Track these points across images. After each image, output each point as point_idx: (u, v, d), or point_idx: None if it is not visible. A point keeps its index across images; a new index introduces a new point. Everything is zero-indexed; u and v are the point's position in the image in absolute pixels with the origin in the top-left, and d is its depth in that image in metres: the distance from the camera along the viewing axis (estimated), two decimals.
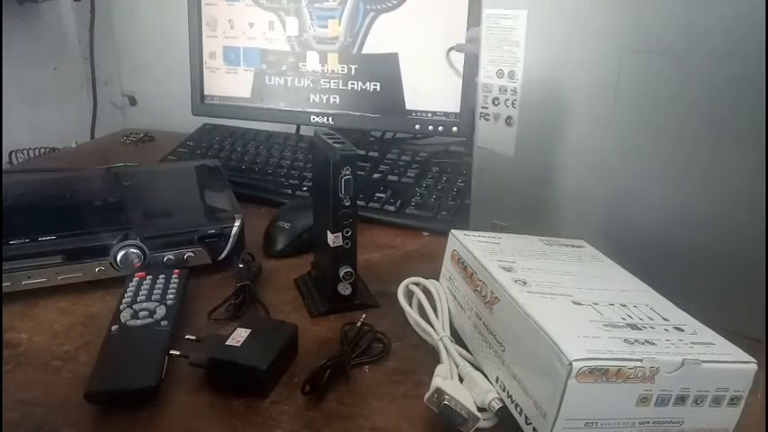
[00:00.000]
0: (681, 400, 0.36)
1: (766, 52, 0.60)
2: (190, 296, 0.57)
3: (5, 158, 1.02)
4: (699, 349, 0.36)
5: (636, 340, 0.36)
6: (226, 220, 0.63)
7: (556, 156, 0.59)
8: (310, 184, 0.81)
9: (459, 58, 0.81)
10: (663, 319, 0.40)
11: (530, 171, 0.61)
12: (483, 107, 0.62)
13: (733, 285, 0.52)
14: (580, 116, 0.57)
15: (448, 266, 0.54)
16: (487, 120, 0.61)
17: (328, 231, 0.52)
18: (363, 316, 0.53)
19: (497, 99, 0.60)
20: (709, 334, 0.39)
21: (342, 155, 0.50)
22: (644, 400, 0.35)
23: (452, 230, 0.54)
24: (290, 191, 0.82)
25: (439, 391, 0.41)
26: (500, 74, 0.59)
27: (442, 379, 0.43)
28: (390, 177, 0.81)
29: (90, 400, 0.43)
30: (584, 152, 0.58)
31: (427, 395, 0.41)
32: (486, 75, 0.60)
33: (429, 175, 0.80)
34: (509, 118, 0.60)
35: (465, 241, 0.51)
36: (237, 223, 0.63)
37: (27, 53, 1.08)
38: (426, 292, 0.54)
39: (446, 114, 0.86)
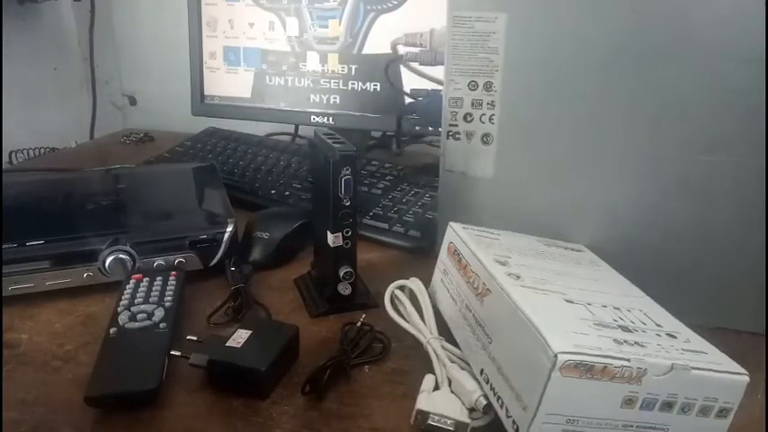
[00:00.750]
0: (667, 405, 0.35)
1: (766, 52, 0.60)
2: (188, 297, 0.57)
3: (5, 158, 1.02)
4: (690, 356, 0.36)
5: (625, 341, 0.36)
6: (218, 225, 0.62)
7: (545, 173, 0.55)
8: (300, 189, 0.80)
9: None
10: (656, 324, 0.40)
11: (513, 193, 0.56)
12: (451, 124, 0.54)
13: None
14: (572, 127, 0.53)
15: (443, 258, 0.53)
16: (457, 139, 0.54)
17: (328, 231, 0.52)
18: (363, 316, 0.53)
19: (470, 115, 0.54)
20: (702, 343, 0.39)
21: (342, 155, 0.50)
22: (629, 401, 0.35)
23: (450, 223, 0.53)
24: (277, 196, 0.80)
25: (421, 413, 0.41)
26: (473, 85, 0.53)
27: (428, 393, 0.43)
28: (360, 187, 0.78)
29: (90, 404, 0.43)
30: (580, 166, 0.53)
31: (412, 419, 0.41)
32: (454, 87, 0.53)
33: (399, 188, 0.77)
34: (486, 135, 0.54)
35: (462, 234, 0.51)
36: (230, 228, 0.62)
37: (27, 53, 1.08)
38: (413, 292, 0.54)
39: None
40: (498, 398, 0.39)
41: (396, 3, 0.85)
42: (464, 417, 0.40)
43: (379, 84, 0.88)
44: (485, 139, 0.54)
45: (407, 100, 0.81)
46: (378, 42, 0.87)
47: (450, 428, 0.40)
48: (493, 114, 0.53)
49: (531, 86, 0.53)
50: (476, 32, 0.51)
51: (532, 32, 0.51)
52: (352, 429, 0.42)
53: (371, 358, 0.49)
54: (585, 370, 0.34)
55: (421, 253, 0.66)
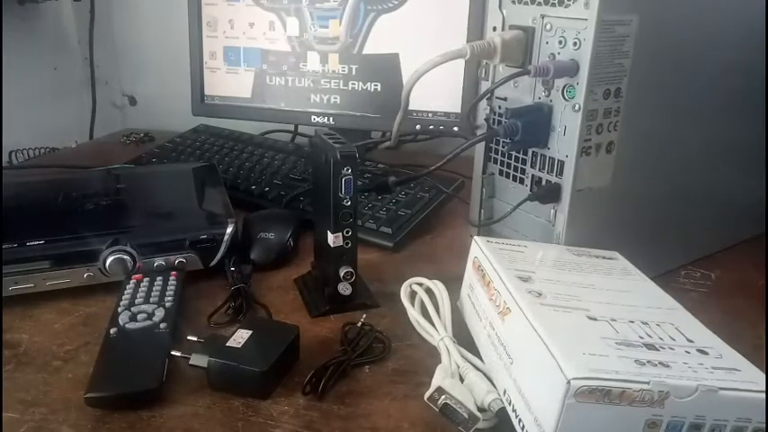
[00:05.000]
0: (695, 428, 0.34)
1: (766, 50, 0.60)
2: (188, 297, 0.57)
3: (5, 158, 1.02)
4: (719, 375, 0.34)
5: (648, 361, 0.34)
6: (219, 225, 0.62)
7: (663, 176, 0.56)
8: (292, 187, 0.80)
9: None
10: (687, 340, 0.38)
11: (632, 199, 0.55)
12: (586, 139, 0.50)
13: None
14: (691, 127, 0.55)
15: (469, 273, 0.52)
16: (589, 154, 0.50)
17: (328, 231, 0.52)
18: (364, 316, 0.53)
19: (601, 126, 0.50)
20: (735, 359, 0.37)
21: (342, 155, 0.50)
22: (652, 425, 0.33)
23: (475, 237, 0.52)
24: (271, 196, 0.79)
25: (440, 390, 0.41)
26: (606, 94, 0.49)
27: (443, 378, 0.43)
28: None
29: (90, 404, 0.43)
30: (701, 167, 0.57)
31: (428, 393, 0.41)
32: (592, 99, 0.49)
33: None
34: (610, 143, 0.51)
35: (486, 248, 0.50)
36: (230, 229, 0.62)
37: (27, 53, 1.08)
38: (429, 292, 0.54)
39: (446, 114, 0.86)
40: (519, 420, 0.38)
41: (396, 3, 0.85)
42: (476, 411, 0.40)
43: (379, 84, 0.88)
44: (609, 147, 0.51)
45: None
46: (378, 42, 0.87)
47: (464, 415, 0.40)
48: (617, 121, 0.51)
49: (654, 89, 0.52)
50: (615, 37, 0.48)
51: (660, 34, 0.51)
52: (352, 429, 0.42)
53: (372, 358, 0.49)
54: (602, 395, 0.32)
55: (390, 249, 0.68)
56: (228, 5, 0.94)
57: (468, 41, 0.62)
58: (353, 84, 0.89)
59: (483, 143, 0.60)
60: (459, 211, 0.74)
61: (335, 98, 0.91)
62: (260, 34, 0.93)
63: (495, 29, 0.55)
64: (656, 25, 0.50)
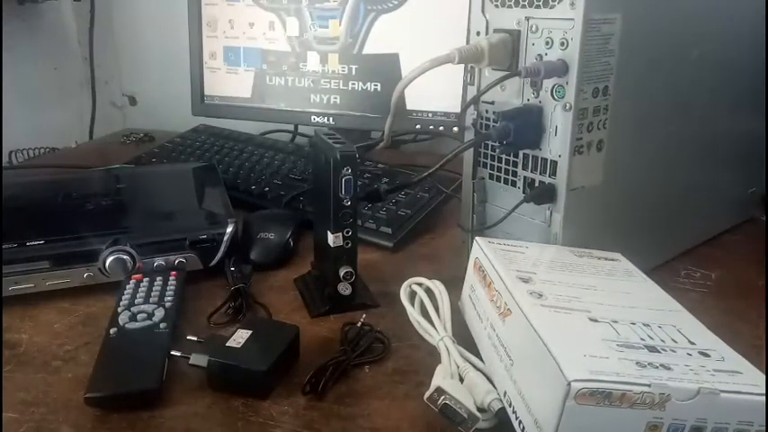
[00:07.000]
0: (697, 431, 0.33)
1: (766, 49, 0.61)
2: (188, 297, 0.57)
3: (5, 158, 1.02)
4: (721, 377, 0.34)
5: (649, 363, 0.34)
6: (218, 225, 0.62)
7: (651, 171, 0.57)
8: (292, 187, 0.80)
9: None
10: (689, 342, 0.38)
11: (621, 195, 0.55)
12: (578, 138, 0.50)
13: None
14: (677, 122, 0.56)
15: (470, 274, 0.52)
16: (581, 152, 0.50)
17: (328, 231, 0.52)
18: (363, 316, 0.53)
19: (591, 124, 0.50)
20: (738, 361, 0.36)
21: (342, 155, 0.50)
22: (654, 427, 0.33)
23: (477, 238, 0.52)
24: (271, 196, 0.79)
25: (439, 390, 0.41)
26: (595, 92, 0.49)
27: (443, 378, 0.43)
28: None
29: (90, 404, 0.43)
30: (687, 163, 0.59)
31: (427, 394, 0.41)
32: (582, 98, 0.49)
33: (375, 185, 0.75)
34: (600, 141, 0.51)
35: (487, 249, 0.49)
36: (230, 229, 0.62)
37: (27, 53, 1.08)
38: (429, 292, 0.54)
39: (446, 114, 0.86)
40: (519, 422, 0.38)
41: (396, 3, 0.85)
42: (475, 411, 0.40)
43: (379, 84, 0.88)
44: (599, 145, 0.52)
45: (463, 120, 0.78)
46: (378, 42, 0.87)
47: (464, 415, 0.40)
48: (606, 119, 0.51)
49: (640, 86, 0.53)
50: (601, 35, 0.48)
51: (643, 32, 0.51)
52: (352, 429, 0.42)
53: (372, 358, 0.49)
54: (603, 397, 0.32)
55: (390, 249, 0.68)
56: (228, 5, 0.94)
57: (468, 42, 0.62)
58: (353, 84, 0.89)
59: (470, 149, 0.59)
60: (459, 211, 0.74)
61: (335, 98, 0.91)
62: (260, 34, 0.93)
63: (478, 33, 0.55)
64: (638, 23, 0.50)
